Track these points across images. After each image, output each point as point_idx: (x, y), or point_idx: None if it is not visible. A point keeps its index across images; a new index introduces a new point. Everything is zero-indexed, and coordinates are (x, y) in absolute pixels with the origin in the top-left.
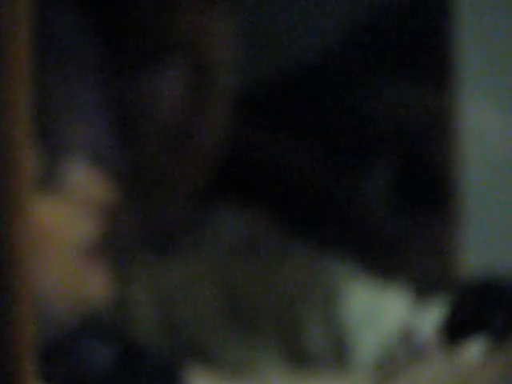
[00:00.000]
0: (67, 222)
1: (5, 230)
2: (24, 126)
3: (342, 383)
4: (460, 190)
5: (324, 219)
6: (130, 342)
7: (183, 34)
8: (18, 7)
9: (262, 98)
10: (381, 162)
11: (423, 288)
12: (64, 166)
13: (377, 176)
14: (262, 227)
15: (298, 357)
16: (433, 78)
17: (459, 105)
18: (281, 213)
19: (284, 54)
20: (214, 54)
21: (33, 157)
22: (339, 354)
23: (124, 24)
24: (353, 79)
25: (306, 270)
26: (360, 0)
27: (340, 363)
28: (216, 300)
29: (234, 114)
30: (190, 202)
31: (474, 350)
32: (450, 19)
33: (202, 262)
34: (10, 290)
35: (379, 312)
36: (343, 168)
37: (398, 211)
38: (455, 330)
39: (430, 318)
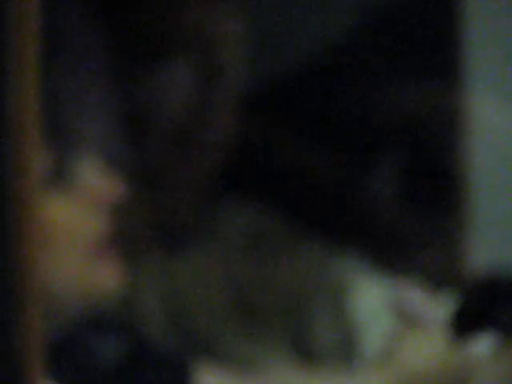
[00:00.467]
0: (78, 218)
1: (15, 227)
2: (34, 124)
3: (349, 379)
4: (469, 186)
5: (332, 215)
6: (139, 336)
7: (192, 33)
8: (27, 4)
9: (270, 94)
10: (389, 158)
11: (432, 284)
12: (75, 164)
13: (385, 173)
14: (269, 223)
15: (306, 352)
16: (441, 73)
17: (468, 100)
18: (289, 209)
19: (291, 52)
20: (222, 53)
21: (43, 155)
22: (348, 350)
23: (133, 23)
24: (361, 75)
25: (315, 266)
26: None
27: (348, 359)
28: (224, 296)
29: (242, 111)
30: (198, 198)
31: (481, 345)
32: (458, 14)
33: (210, 258)
34: (21, 286)
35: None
36: (351, 164)
37: (406, 208)
38: (463, 326)
39: (439, 313)
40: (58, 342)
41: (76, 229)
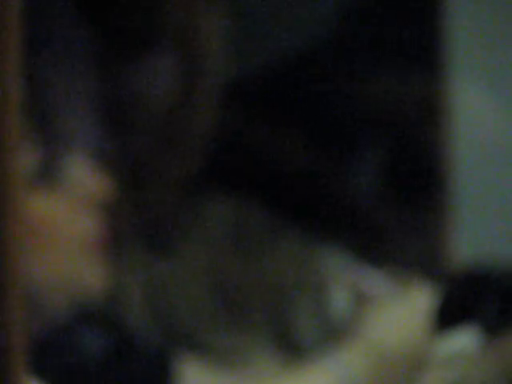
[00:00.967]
0: (66, 216)
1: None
2: (16, 120)
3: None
4: (452, 180)
5: (315, 209)
6: (123, 332)
7: (174, 24)
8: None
9: (253, 86)
10: (371, 149)
11: (415, 277)
12: (63, 161)
13: (368, 163)
14: (252, 218)
15: (288, 345)
16: (424, 66)
17: (451, 93)
18: (271, 201)
19: (275, 42)
20: (204, 44)
21: (31, 151)
22: (330, 342)
23: (116, 15)
24: (343, 67)
25: (297, 259)
26: None
27: (331, 351)
28: (207, 289)
29: (225, 103)
30: (181, 192)
31: (464, 338)
32: (440, 4)
33: (193, 252)
34: (5, 283)
35: None
36: (333, 156)
37: (389, 199)
38: (446, 319)
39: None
40: (41, 338)
41: (65, 226)
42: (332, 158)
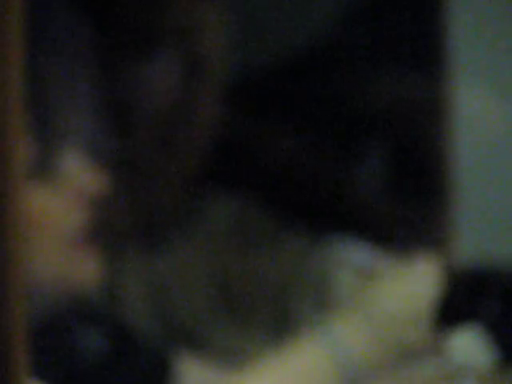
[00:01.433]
0: (60, 210)
1: None
2: (16, 115)
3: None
4: (455, 178)
5: (317, 206)
6: (122, 329)
7: (175, 23)
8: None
9: (254, 85)
10: (373, 148)
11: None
12: (57, 156)
13: (369, 163)
14: (253, 214)
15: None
16: (426, 63)
17: (453, 91)
18: (272, 200)
19: (276, 41)
20: (206, 43)
21: (25, 146)
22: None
23: (116, 14)
24: (345, 66)
25: (298, 258)
26: None
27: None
28: (207, 288)
29: (227, 102)
30: (182, 190)
31: (465, 337)
32: (442, 3)
33: (194, 249)
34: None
35: None
36: (335, 155)
37: (391, 199)
38: (447, 318)
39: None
40: (40, 335)
41: (59, 221)
42: (334, 158)
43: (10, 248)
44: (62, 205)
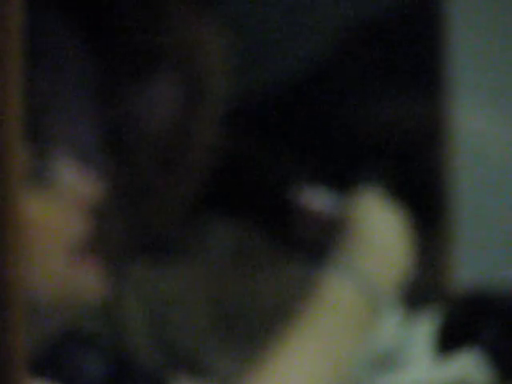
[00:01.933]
0: (58, 221)
1: None
2: (14, 125)
3: None
4: (454, 201)
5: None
6: (121, 353)
7: (175, 45)
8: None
9: (254, 108)
10: (373, 172)
11: (415, 300)
12: (54, 166)
13: (369, 185)
14: (252, 239)
15: None
16: (426, 85)
17: (452, 110)
18: (271, 224)
19: (276, 64)
20: (206, 67)
21: (23, 156)
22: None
23: (117, 34)
24: (345, 88)
25: (296, 281)
26: (350, 12)
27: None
28: (206, 311)
29: (227, 124)
30: (181, 212)
31: (464, 360)
32: (441, 24)
33: (192, 272)
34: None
35: None
36: (336, 180)
37: None
38: (447, 342)
39: (422, 329)
40: (40, 357)
41: (57, 231)
42: (335, 182)
43: (8, 259)
44: (60, 215)
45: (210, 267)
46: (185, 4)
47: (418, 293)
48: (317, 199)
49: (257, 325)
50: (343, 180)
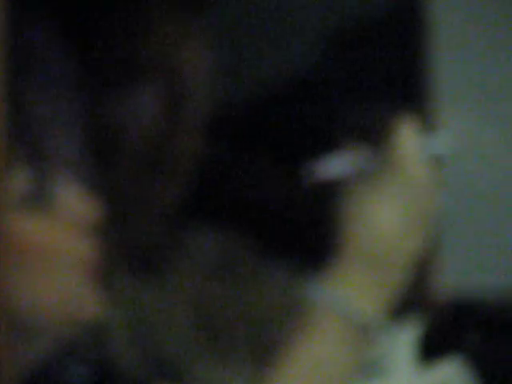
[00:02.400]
0: (59, 241)
1: None
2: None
3: None
4: (438, 211)
5: (299, 240)
6: (107, 365)
7: (158, 59)
8: None
9: (235, 120)
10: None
11: (399, 308)
12: (52, 187)
13: None
14: (236, 248)
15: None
16: (411, 93)
17: (439, 121)
18: (256, 234)
19: (260, 71)
20: (190, 76)
21: (21, 176)
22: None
23: (101, 47)
24: (327, 97)
25: (280, 291)
26: (332, 20)
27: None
28: (192, 321)
29: (211, 134)
30: (165, 223)
31: (447, 367)
32: (426, 33)
33: (178, 283)
34: None
35: None
36: (320, 191)
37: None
38: (430, 349)
39: (406, 337)
40: (30, 370)
41: (54, 250)
42: (319, 194)
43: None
44: (60, 235)
45: (194, 277)
46: (169, 16)
47: (402, 300)
48: (333, 166)
49: (240, 334)
50: None
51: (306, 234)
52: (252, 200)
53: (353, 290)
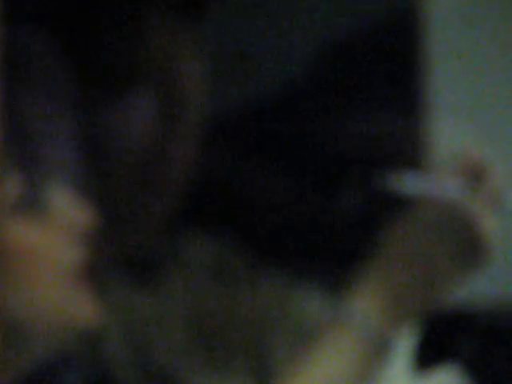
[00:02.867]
0: (52, 248)
1: None
2: None
3: None
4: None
5: (295, 246)
6: (101, 370)
7: (153, 63)
8: None
9: (232, 126)
10: (351, 188)
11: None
12: (45, 191)
13: (347, 204)
14: (232, 256)
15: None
16: (403, 103)
17: (431, 129)
18: (251, 241)
19: (254, 81)
20: (184, 83)
21: (14, 182)
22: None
23: (97, 53)
24: (322, 106)
25: (276, 299)
26: (327, 28)
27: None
28: (184, 328)
29: (205, 142)
30: (161, 230)
31: (443, 376)
32: (419, 41)
33: (173, 291)
34: None
35: None
36: (315, 194)
37: (368, 240)
38: (426, 357)
39: (402, 345)
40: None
41: (52, 258)
42: (313, 197)
43: None
44: (54, 242)
45: (189, 284)
46: (164, 24)
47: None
48: (407, 182)
49: (235, 342)
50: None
51: (303, 241)
52: (250, 207)
53: (373, 308)
